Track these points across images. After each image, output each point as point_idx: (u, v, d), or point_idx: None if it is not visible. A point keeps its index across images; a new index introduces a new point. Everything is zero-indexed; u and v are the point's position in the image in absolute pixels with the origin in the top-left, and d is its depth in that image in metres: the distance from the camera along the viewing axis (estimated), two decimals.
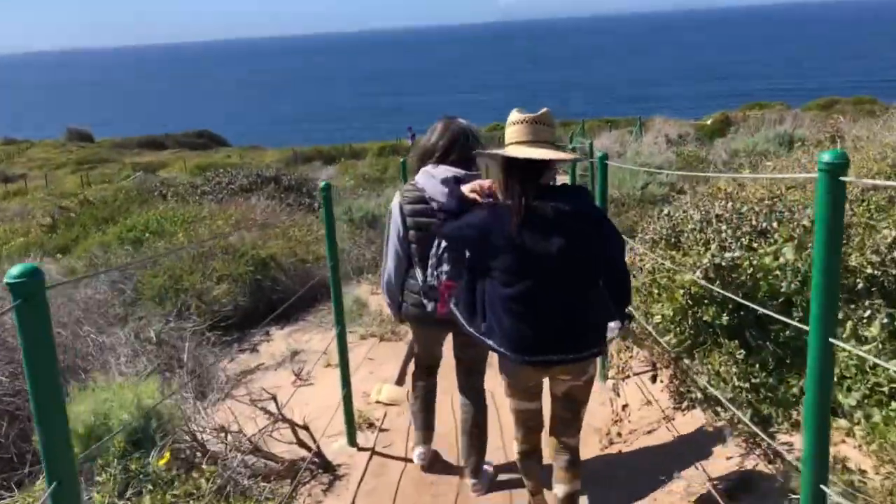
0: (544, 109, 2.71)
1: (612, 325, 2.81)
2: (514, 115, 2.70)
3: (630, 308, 3.10)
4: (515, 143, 2.66)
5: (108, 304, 5.76)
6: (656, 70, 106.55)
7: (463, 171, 3.15)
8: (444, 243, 3.11)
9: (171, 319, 5.56)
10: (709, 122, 21.63)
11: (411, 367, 3.83)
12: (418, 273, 3.24)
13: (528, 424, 2.94)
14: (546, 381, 2.88)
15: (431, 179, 3.17)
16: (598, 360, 3.63)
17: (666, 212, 4.38)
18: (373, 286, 7.61)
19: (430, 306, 3.22)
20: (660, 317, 3.80)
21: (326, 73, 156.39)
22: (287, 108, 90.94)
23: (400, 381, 4.96)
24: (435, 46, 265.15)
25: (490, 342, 2.73)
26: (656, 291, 4.01)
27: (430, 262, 3.19)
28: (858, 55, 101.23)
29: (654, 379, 4.03)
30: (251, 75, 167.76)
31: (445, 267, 3.15)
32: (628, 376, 4.26)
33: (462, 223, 2.76)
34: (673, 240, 4.34)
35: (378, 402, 4.67)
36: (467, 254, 2.84)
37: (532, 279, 2.59)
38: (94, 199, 14.45)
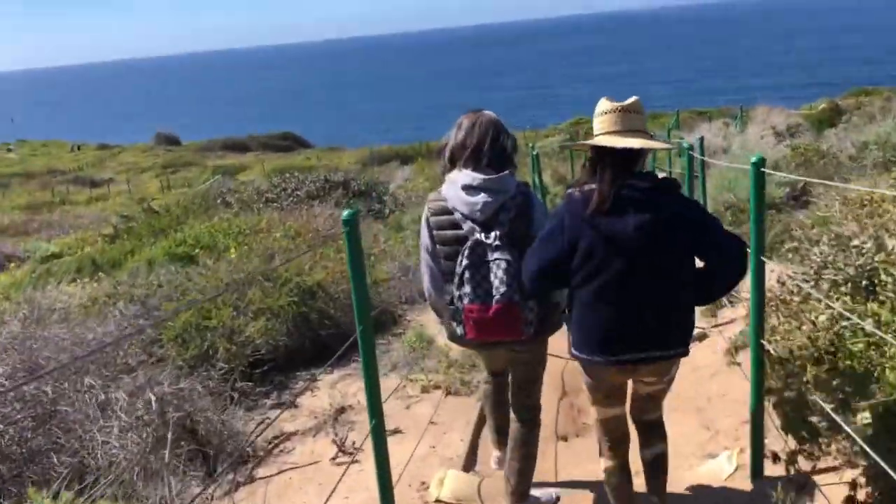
0: (634, 98, 2.65)
1: None
2: (604, 105, 2.65)
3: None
4: (607, 132, 2.60)
5: (119, 344, 4.75)
6: (731, 59, 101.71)
7: (490, 176, 2.87)
8: (465, 261, 2.85)
9: (187, 368, 4.52)
10: (822, 106, 19.43)
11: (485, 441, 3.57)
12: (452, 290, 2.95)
13: (615, 435, 2.85)
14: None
15: (453, 187, 2.92)
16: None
17: (855, 242, 2.99)
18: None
19: (458, 330, 2.98)
20: (865, 414, 2.46)
21: (400, 73, 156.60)
22: (366, 107, 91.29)
23: (468, 463, 3.76)
24: (506, 42, 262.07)
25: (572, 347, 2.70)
26: (847, 362, 2.67)
27: (454, 282, 2.89)
28: None
29: (849, 500, 2.68)
30: (331, 77, 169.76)
31: (467, 288, 2.85)
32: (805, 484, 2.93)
33: (550, 219, 2.70)
34: (864, 282, 2.96)
35: (438, 501, 3.46)
36: (548, 252, 2.64)
37: (616, 269, 2.52)
38: (157, 207, 13.83)
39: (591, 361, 2.65)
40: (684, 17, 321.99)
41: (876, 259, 2.79)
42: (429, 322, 6.36)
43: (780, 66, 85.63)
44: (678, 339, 2.63)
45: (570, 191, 2.69)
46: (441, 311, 3.11)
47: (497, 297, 2.80)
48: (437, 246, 2.99)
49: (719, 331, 5.17)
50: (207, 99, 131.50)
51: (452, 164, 3.00)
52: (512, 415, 3.21)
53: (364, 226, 11.11)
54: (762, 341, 3.02)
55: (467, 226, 2.88)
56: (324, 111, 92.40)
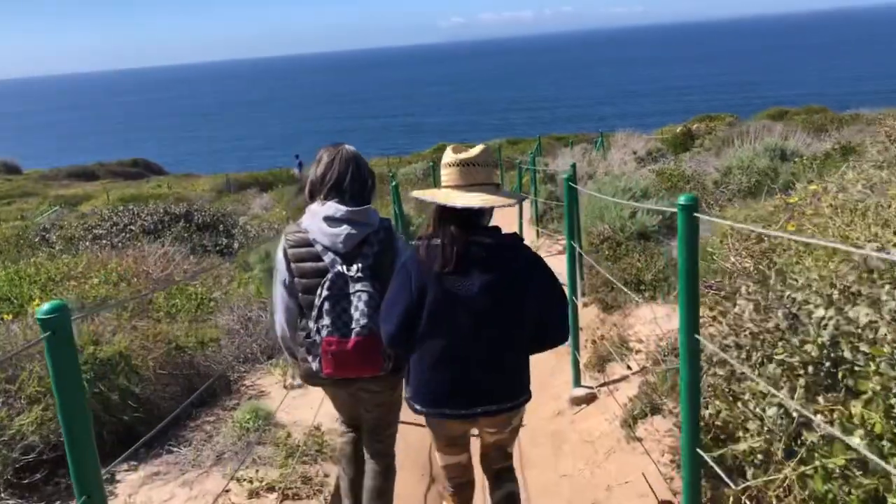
0: (480, 148, 2.60)
1: None
2: (449, 156, 2.60)
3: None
4: (450, 186, 2.57)
5: None
6: (592, 88, 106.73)
7: (354, 208, 2.84)
8: (325, 292, 2.78)
9: None
10: (678, 129, 19.91)
11: None
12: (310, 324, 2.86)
13: (459, 480, 2.89)
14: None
15: (315, 219, 2.85)
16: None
17: (818, 313, 2.27)
18: (288, 374, 5.35)
19: (314, 365, 2.87)
20: None
21: (266, 97, 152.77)
22: (227, 133, 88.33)
23: None
24: (376, 69, 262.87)
25: (408, 396, 2.71)
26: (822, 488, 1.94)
27: (312, 315, 2.82)
28: (784, 69, 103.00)
29: None
30: (189, 101, 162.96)
31: (326, 320, 2.78)
32: None
33: (397, 272, 2.65)
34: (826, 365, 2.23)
35: None
36: (399, 309, 2.58)
37: (459, 326, 2.53)
38: None
39: (430, 414, 2.67)
40: (536, 48, 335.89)
41: (840, 331, 2.06)
42: (271, 387, 5.29)
43: (633, 93, 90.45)
44: (517, 392, 2.67)
45: (416, 243, 2.62)
46: (293, 349, 3.01)
47: (357, 329, 2.75)
48: (296, 279, 2.88)
49: (609, 391, 4.45)
50: (53, 124, 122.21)
51: (312, 198, 2.94)
52: (367, 465, 3.12)
53: (207, 264, 9.79)
54: (698, 450, 2.20)
55: (328, 257, 2.82)
56: (181, 137, 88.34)
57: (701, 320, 2.27)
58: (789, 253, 3.82)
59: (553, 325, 2.64)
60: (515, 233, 2.74)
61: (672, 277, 5.72)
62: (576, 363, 4.71)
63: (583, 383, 4.71)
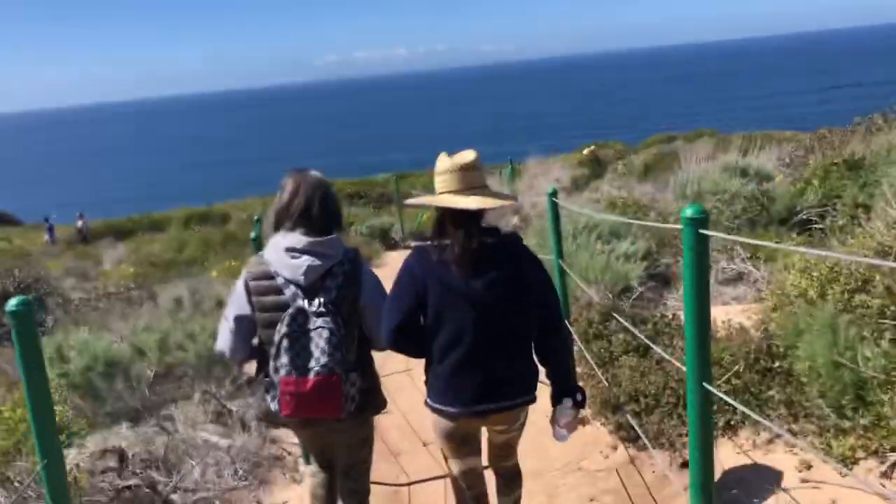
0: (474, 154, 2.69)
1: (566, 402, 2.73)
2: (445, 163, 2.69)
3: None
4: (448, 192, 2.66)
5: None
6: (465, 121, 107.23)
7: (317, 238, 2.76)
8: (284, 329, 2.68)
9: None
10: (585, 151, 18.31)
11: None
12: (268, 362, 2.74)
13: (473, 492, 2.92)
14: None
15: (276, 250, 2.78)
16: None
17: None
18: None
19: (273, 405, 2.77)
20: None
21: (119, 143, 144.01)
22: (88, 180, 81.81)
23: None
24: (247, 109, 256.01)
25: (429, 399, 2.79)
26: None
27: (270, 352, 2.70)
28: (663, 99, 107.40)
29: None
30: (53, 147, 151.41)
31: (284, 359, 2.67)
32: None
33: (400, 274, 2.72)
34: None
35: None
36: (403, 305, 2.68)
37: (467, 323, 2.62)
38: None
39: (446, 412, 2.73)
40: (410, 84, 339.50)
41: None
42: None
43: (509, 128, 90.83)
44: (525, 388, 2.76)
45: (417, 244, 2.74)
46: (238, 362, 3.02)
47: (317, 368, 2.66)
48: (257, 314, 2.79)
49: None
50: None
51: (277, 228, 2.85)
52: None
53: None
54: None
55: (290, 291, 2.74)
56: (43, 185, 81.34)
57: None
58: None
59: (553, 328, 2.72)
60: (515, 231, 2.90)
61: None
62: None
63: None
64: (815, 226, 5.90)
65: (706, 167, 9.23)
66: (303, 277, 2.69)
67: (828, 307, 3.32)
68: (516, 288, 2.60)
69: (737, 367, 3.52)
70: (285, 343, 2.64)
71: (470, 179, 2.61)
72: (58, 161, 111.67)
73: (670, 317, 4.46)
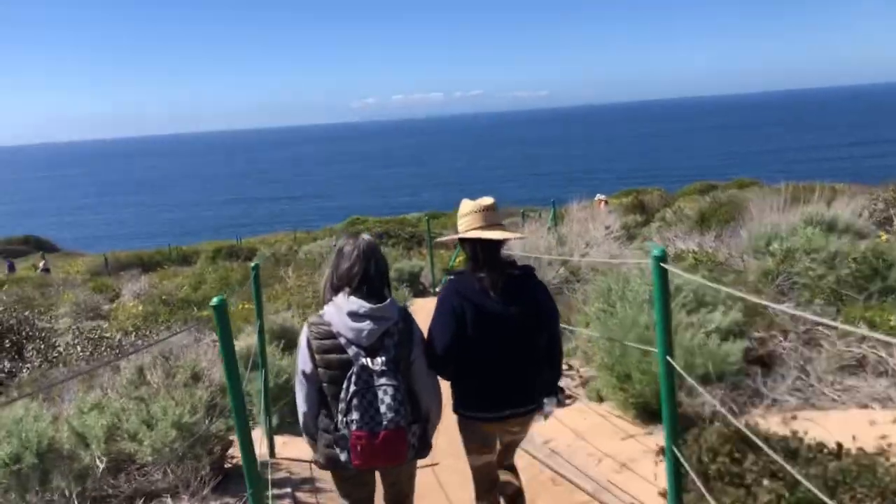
0: (492, 199, 3.20)
1: (551, 399, 3.23)
2: (469, 205, 3.21)
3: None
4: (478, 227, 3.14)
5: None
6: (499, 164, 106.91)
7: (376, 305, 2.92)
8: (353, 388, 2.84)
9: None
10: (629, 199, 17.22)
11: None
12: (334, 416, 2.91)
13: (488, 479, 3.37)
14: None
15: (339, 313, 2.94)
16: None
17: None
18: None
19: (342, 456, 2.92)
20: None
21: (181, 174, 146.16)
22: (126, 211, 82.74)
23: None
24: (287, 147, 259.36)
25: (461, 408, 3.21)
26: None
27: (339, 408, 2.85)
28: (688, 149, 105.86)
29: None
30: (99, 177, 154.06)
31: (355, 415, 2.82)
32: None
33: (442, 301, 3.11)
34: None
35: None
36: (449, 329, 3.04)
37: (498, 341, 3.05)
38: None
39: (476, 417, 3.18)
40: (446, 128, 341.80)
41: None
42: None
43: (538, 171, 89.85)
44: (537, 396, 3.21)
45: (452, 276, 3.23)
46: (315, 435, 3.05)
47: (385, 423, 2.81)
48: (321, 369, 2.94)
49: None
50: None
51: (336, 290, 2.99)
52: None
53: None
54: None
55: (352, 350, 2.87)
56: (86, 214, 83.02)
57: None
58: None
59: (552, 351, 3.25)
60: (529, 265, 3.27)
61: None
62: None
63: None
64: None
65: (784, 218, 8.07)
66: (365, 339, 2.87)
67: None
68: (536, 312, 3.09)
69: None
70: (355, 400, 2.80)
71: (492, 217, 3.15)
72: (110, 190, 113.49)
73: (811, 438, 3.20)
